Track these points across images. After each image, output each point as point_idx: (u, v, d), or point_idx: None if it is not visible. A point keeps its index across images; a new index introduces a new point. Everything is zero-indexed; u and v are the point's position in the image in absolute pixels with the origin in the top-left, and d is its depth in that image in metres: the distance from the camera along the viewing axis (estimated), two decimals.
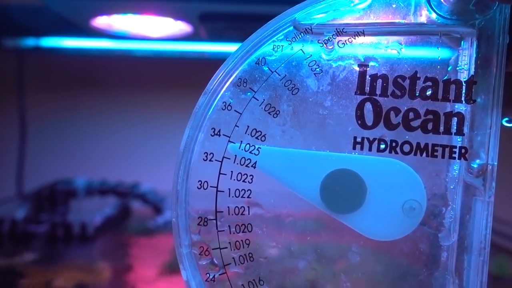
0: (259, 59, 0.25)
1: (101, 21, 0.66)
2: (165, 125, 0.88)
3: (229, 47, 0.71)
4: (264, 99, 0.25)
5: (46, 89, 0.90)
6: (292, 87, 0.25)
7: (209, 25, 0.64)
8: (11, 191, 0.85)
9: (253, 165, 0.25)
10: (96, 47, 0.79)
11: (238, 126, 0.25)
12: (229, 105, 0.25)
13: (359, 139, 0.25)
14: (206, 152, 0.25)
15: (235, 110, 0.25)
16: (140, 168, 0.86)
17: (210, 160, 0.25)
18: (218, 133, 0.25)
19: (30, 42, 0.80)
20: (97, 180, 0.72)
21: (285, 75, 0.25)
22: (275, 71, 0.25)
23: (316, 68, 0.25)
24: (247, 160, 0.25)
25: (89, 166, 0.85)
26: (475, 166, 0.24)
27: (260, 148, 0.25)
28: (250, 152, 0.25)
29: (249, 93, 0.25)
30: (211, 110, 0.26)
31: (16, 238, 0.60)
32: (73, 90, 0.90)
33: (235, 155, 0.25)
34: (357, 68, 0.25)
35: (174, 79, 0.87)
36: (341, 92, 0.25)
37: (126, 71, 0.88)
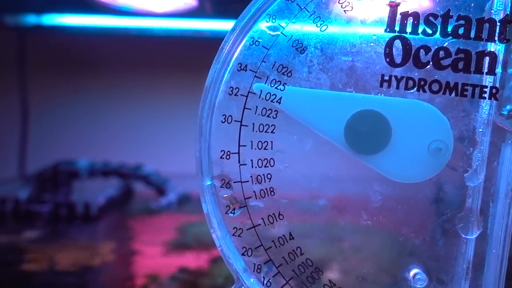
0: None
1: None
2: (169, 107, 0.87)
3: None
4: (292, 35, 0.25)
5: (48, 69, 0.88)
6: (320, 24, 0.24)
7: None
8: (13, 172, 0.84)
9: (278, 101, 0.24)
10: (99, 25, 0.78)
11: (265, 62, 0.25)
12: (256, 41, 0.25)
13: (386, 77, 0.24)
14: (232, 87, 0.25)
15: (262, 46, 0.25)
16: (143, 150, 0.85)
17: (235, 95, 0.25)
18: (245, 68, 0.25)
19: (32, 19, 0.79)
20: (99, 162, 0.71)
21: (314, 11, 0.25)
22: (304, 7, 0.25)
23: (346, 5, 0.24)
24: (272, 95, 0.24)
25: (91, 148, 0.84)
26: (506, 112, 0.23)
27: (286, 83, 0.24)
28: (276, 88, 0.24)
29: (277, 29, 0.25)
30: (239, 46, 0.25)
31: (19, 217, 0.59)
32: (75, 70, 0.88)
33: (261, 90, 0.24)
34: (388, 5, 0.24)
35: (179, 59, 0.86)
36: (371, 30, 0.24)
37: (129, 51, 0.87)
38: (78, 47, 0.86)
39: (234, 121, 0.25)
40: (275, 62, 0.25)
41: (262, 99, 0.25)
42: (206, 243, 0.50)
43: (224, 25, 0.73)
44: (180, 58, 0.85)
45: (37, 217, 0.59)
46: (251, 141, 0.25)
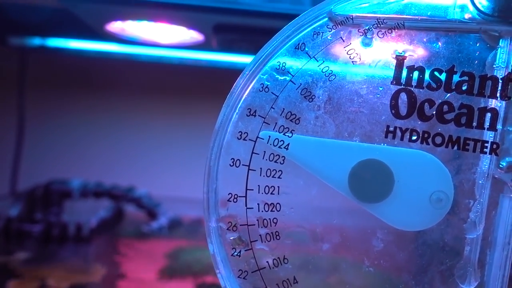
0: (298, 44, 0.25)
1: (115, 26, 0.66)
2: (164, 132, 0.88)
3: (237, 58, 0.71)
4: (301, 83, 0.25)
5: (47, 89, 0.87)
6: (329, 74, 0.25)
7: (222, 36, 0.64)
8: (4, 189, 0.83)
9: (286, 147, 0.25)
10: (102, 50, 0.78)
11: (273, 108, 0.25)
12: (266, 87, 0.25)
13: (391, 128, 0.24)
14: (241, 131, 0.25)
15: (272, 93, 0.25)
16: (136, 172, 0.85)
17: (244, 139, 0.25)
18: (254, 114, 0.25)
19: (36, 41, 0.79)
20: (92, 182, 0.71)
21: (323, 61, 0.25)
22: (313, 57, 0.25)
23: (354, 56, 0.25)
24: (280, 141, 0.25)
25: (85, 168, 0.84)
26: (505, 163, 0.24)
27: (294, 130, 0.25)
28: (284, 134, 0.25)
29: (286, 77, 0.25)
30: (247, 91, 0.25)
31: (10, 237, 0.58)
32: (74, 91, 0.87)
33: (269, 136, 0.25)
34: (394, 59, 0.25)
35: (175, 86, 0.86)
36: (377, 82, 0.25)
37: (128, 75, 0.87)
38: (78, 69, 0.86)
39: (242, 165, 0.25)
40: (283, 108, 0.25)
41: (270, 144, 0.25)
42: (196, 270, 0.50)
43: (226, 57, 0.73)
44: (175, 85, 0.86)
45: (28, 236, 0.58)
46: (258, 185, 0.25)
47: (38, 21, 0.67)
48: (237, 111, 0.25)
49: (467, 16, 0.24)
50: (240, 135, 0.25)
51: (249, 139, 0.25)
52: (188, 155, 0.79)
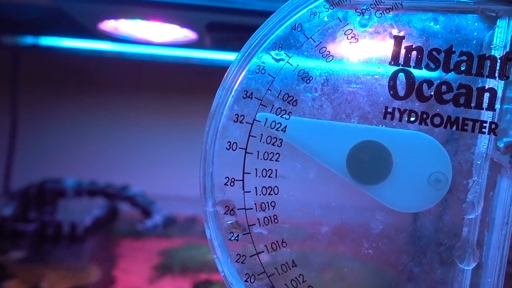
0: (295, 24, 0.25)
1: (108, 25, 0.65)
2: (158, 130, 0.87)
3: (230, 56, 0.71)
4: (297, 65, 0.24)
5: (40, 88, 0.86)
6: (326, 55, 0.24)
7: (215, 34, 0.63)
8: None
9: (283, 129, 0.24)
10: (95, 48, 0.78)
11: (270, 90, 0.24)
12: (262, 68, 0.25)
13: (390, 110, 0.24)
14: (237, 114, 0.24)
15: (268, 74, 0.25)
16: (130, 171, 0.84)
17: (240, 122, 0.24)
18: (250, 96, 0.25)
19: (29, 40, 0.78)
20: (86, 181, 0.70)
21: (320, 42, 0.24)
22: (310, 37, 0.24)
23: (351, 37, 0.24)
24: (277, 124, 0.24)
25: (78, 167, 0.83)
26: (502, 144, 0.23)
27: (291, 112, 0.24)
28: (281, 116, 0.24)
29: (283, 58, 0.25)
30: (243, 73, 0.25)
31: (4, 236, 0.57)
32: (67, 90, 0.86)
33: (266, 118, 0.24)
34: (392, 39, 0.24)
35: (169, 84, 0.86)
36: (375, 62, 0.24)
37: (121, 74, 0.86)
38: (71, 68, 0.85)
39: (239, 148, 0.24)
40: (280, 90, 0.24)
41: (267, 127, 0.24)
42: (191, 268, 0.49)
43: (220, 55, 0.73)
44: (169, 83, 0.85)
45: (22, 235, 0.58)
46: (256, 169, 0.24)
47: (31, 19, 0.67)
48: (233, 93, 0.25)
49: None
50: (237, 117, 0.24)
51: (246, 122, 0.24)
52: (183, 153, 0.78)
